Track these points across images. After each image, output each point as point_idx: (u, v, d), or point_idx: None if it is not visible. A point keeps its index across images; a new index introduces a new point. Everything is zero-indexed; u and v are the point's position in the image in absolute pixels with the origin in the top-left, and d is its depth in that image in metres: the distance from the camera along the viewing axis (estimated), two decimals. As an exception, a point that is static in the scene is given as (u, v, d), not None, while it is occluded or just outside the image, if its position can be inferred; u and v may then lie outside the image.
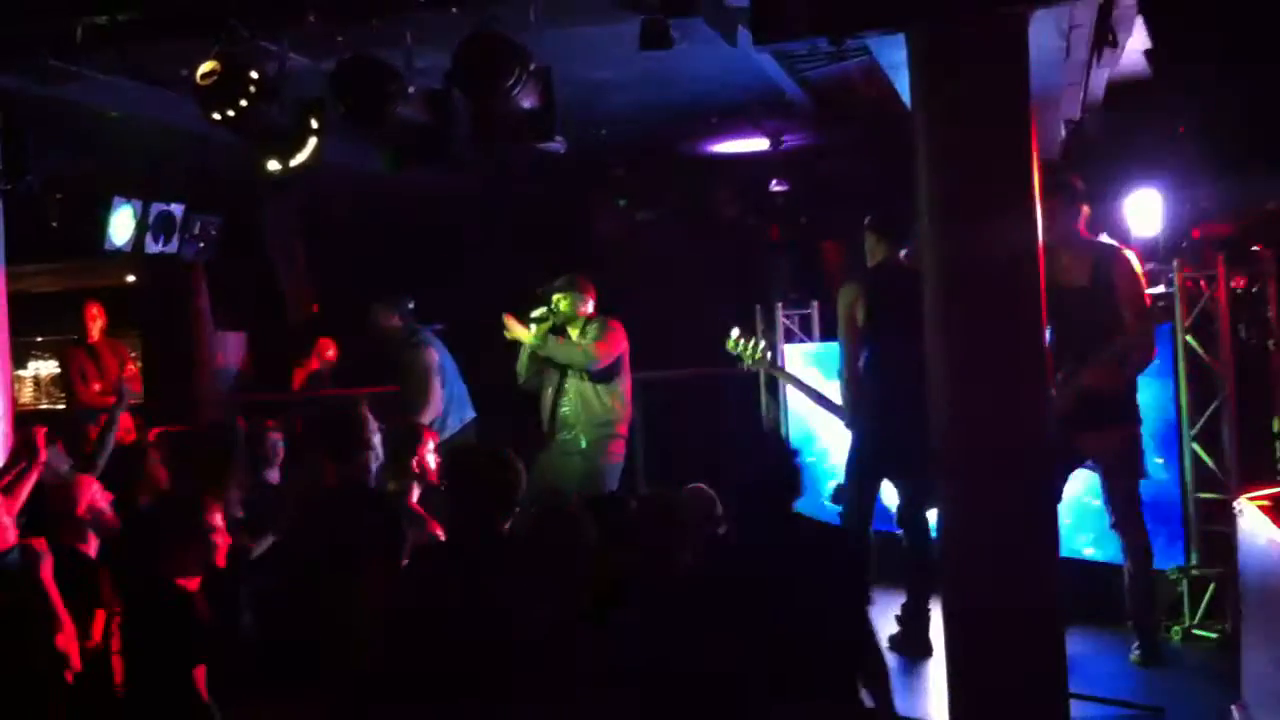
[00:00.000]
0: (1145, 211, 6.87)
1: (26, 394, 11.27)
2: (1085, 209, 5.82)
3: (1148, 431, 5.91)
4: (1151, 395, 6.21)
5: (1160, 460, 6.27)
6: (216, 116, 5.29)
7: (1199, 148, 8.08)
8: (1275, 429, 6.21)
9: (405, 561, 4.48)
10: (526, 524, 4.16)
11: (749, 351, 6.86)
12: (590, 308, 7.11)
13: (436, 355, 7.14)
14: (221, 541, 4.28)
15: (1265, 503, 4.66)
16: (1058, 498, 5.21)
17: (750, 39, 4.97)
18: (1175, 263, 6.40)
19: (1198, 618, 6.12)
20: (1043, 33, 4.72)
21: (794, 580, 3.83)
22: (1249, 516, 4.67)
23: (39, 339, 11.34)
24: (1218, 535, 6.11)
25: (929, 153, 4.52)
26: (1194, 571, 6.16)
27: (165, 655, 4.04)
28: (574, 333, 7.08)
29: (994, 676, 4.43)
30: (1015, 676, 4.40)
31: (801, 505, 4.06)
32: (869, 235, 6.38)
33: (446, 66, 5.18)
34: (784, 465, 4.07)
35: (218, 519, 4.28)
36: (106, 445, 5.81)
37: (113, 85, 6.04)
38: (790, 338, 8.35)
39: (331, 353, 10.18)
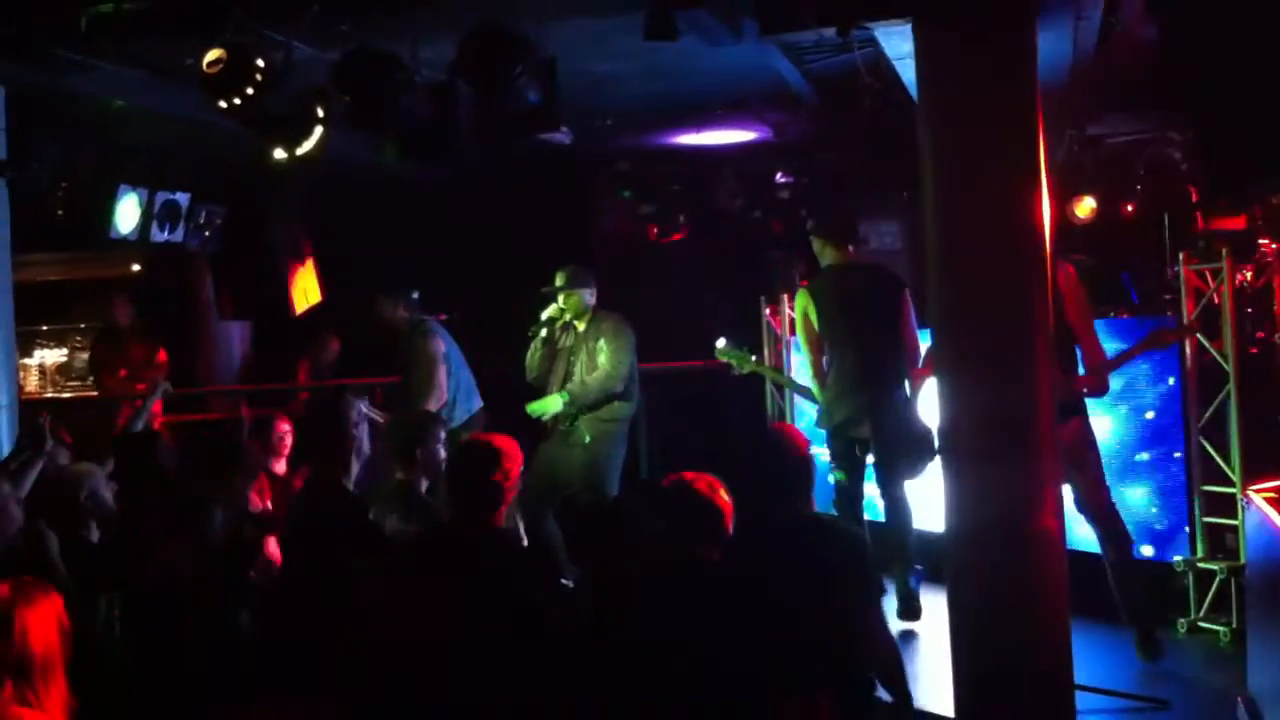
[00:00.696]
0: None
1: (32, 383, 11.28)
2: None
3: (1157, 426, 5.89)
4: (1158, 390, 6.21)
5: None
6: (222, 105, 5.29)
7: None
8: (1281, 422, 6.21)
9: (404, 553, 4.46)
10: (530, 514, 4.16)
11: (738, 359, 7.08)
12: (593, 298, 7.11)
13: (443, 345, 7.12)
14: (223, 532, 4.28)
15: (1272, 495, 4.66)
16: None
17: (756, 30, 4.97)
18: (1181, 256, 6.39)
19: (1203, 610, 6.12)
20: (1051, 24, 4.71)
21: (804, 574, 3.83)
22: (1255, 509, 4.67)
23: (44, 328, 11.35)
24: (1224, 528, 6.11)
25: (934, 144, 4.51)
26: (1200, 564, 6.15)
27: (162, 644, 4.04)
28: (580, 325, 7.07)
29: (999, 668, 4.43)
30: (1020, 667, 4.40)
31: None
32: (814, 240, 6.69)
33: (451, 58, 5.17)
34: (795, 459, 4.06)
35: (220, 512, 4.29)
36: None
37: (118, 75, 6.04)
38: (794, 330, 8.35)
39: (335, 346, 10.18)
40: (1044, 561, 4.43)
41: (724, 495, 4.22)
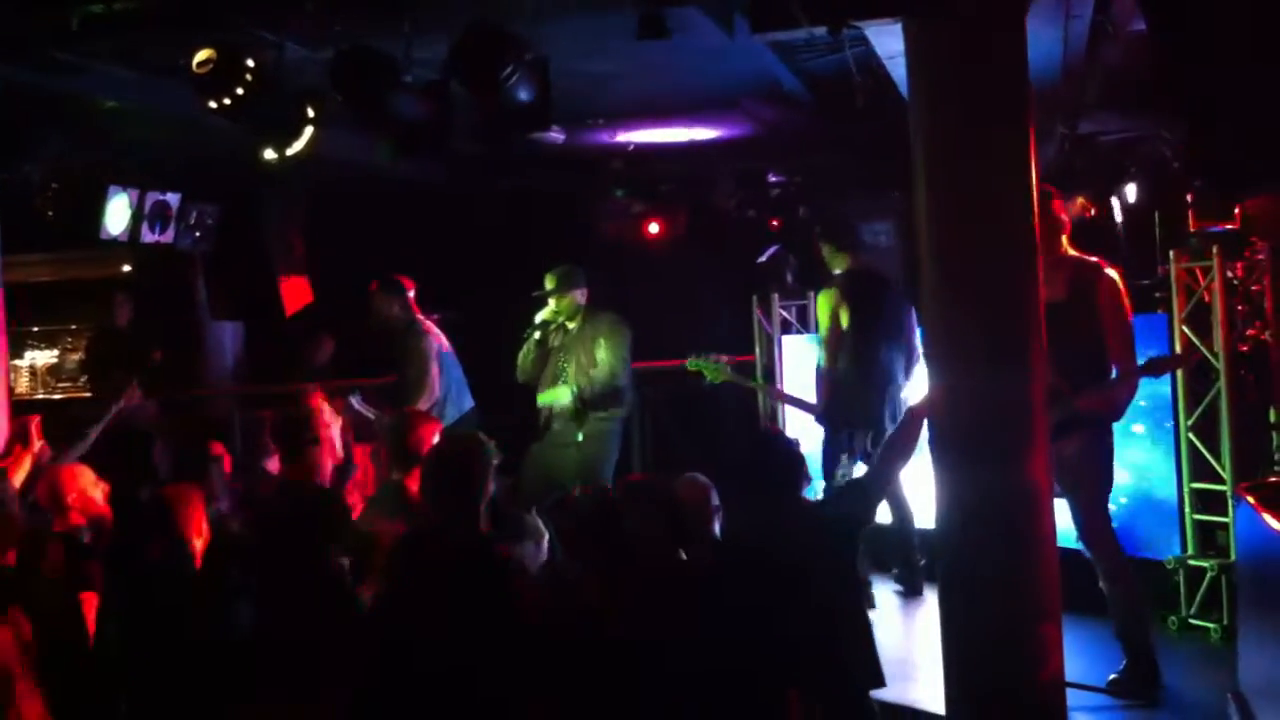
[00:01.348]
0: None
1: (22, 384, 11.24)
2: (1066, 221, 5.49)
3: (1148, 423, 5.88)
4: (1148, 386, 6.21)
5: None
6: (213, 105, 5.29)
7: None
8: (1272, 419, 6.21)
9: (391, 553, 4.43)
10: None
11: (710, 370, 7.16)
12: (585, 299, 7.12)
13: (436, 343, 7.14)
14: (207, 531, 4.27)
15: (1262, 493, 4.66)
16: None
17: (747, 29, 4.97)
18: (1172, 253, 6.40)
19: (1194, 608, 6.13)
20: (1042, 23, 4.72)
21: (795, 571, 3.83)
22: (1246, 507, 4.68)
23: (35, 329, 11.31)
24: (1215, 526, 6.12)
25: (925, 143, 4.52)
26: (1190, 562, 6.17)
27: (155, 641, 4.04)
28: (571, 325, 7.09)
29: (990, 662, 4.43)
30: (1011, 662, 4.40)
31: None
32: (824, 246, 6.90)
33: (444, 57, 5.17)
34: (784, 457, 4.07)
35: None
36: None
37: (109, 74, 6.03)
38: (788, 329, 8.37)
39: (329, 347, 10.14)
40: (1035, 556, 4.44)
41: (708, 495, 4.23)
